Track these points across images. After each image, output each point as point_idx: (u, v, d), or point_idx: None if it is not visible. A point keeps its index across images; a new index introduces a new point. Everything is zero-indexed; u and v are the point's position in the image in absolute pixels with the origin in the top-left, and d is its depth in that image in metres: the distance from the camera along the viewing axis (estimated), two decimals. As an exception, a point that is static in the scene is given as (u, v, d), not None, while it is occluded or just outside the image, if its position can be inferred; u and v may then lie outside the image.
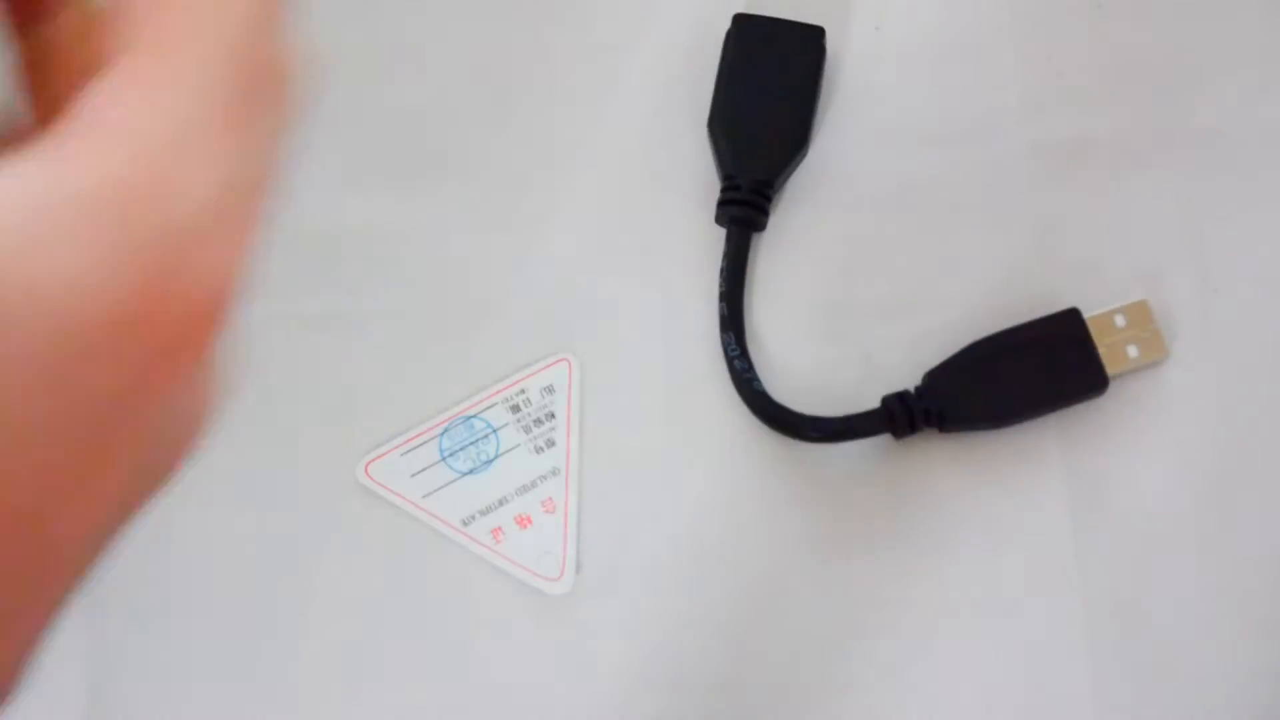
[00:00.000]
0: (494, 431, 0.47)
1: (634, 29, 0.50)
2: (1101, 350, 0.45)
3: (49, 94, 0.22)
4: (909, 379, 0.46)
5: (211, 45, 0.20)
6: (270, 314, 0.47)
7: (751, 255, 0.47)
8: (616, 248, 0.48)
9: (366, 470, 0.46)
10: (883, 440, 0.46)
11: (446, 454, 0.46)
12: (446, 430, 0.47)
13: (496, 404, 0.47)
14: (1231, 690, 0.44)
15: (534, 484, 0.46)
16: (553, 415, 0.47)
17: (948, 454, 0.46)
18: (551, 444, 0.47)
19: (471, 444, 0.46)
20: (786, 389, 0.46)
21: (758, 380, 0.46)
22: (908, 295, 0.47)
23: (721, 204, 0.48)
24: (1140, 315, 0.46)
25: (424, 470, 0.46)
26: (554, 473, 0.46)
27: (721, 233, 0.48)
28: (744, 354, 0.46)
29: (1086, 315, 0.46)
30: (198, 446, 0.22)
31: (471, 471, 0.46)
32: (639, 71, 0.50)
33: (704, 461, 0.46)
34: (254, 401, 0.46)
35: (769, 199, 0.48)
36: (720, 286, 0.47)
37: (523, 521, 0.46)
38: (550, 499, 0.46)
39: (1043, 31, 0.49)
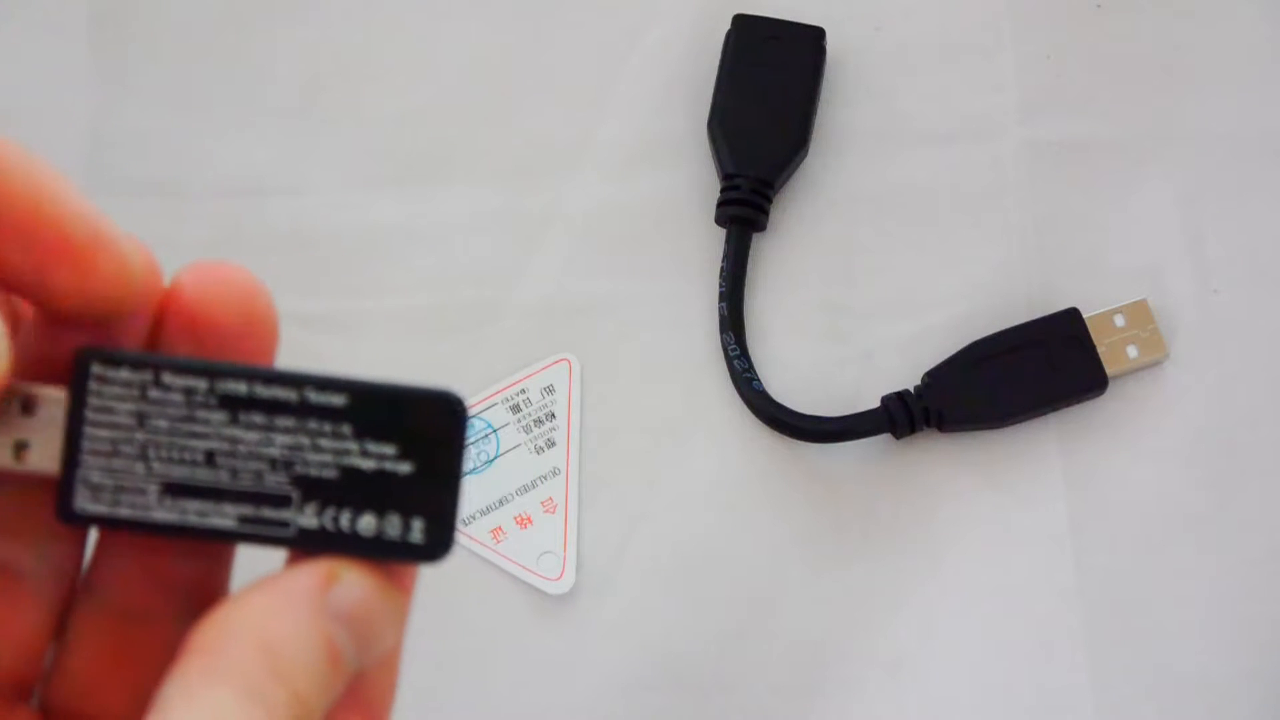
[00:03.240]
0: (494, 431, 0.47)
1: (634, 29, 0.50)
2: (1101, 350, 0.46)
3: None
4: (909, 379, 0.46)
5: None
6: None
7: (751, 255, 0.48)
8: (617, 248, 0.48)
9: (366, 470, 0.46)
10: (883, 440, 0.46)
11: (446, 454, 0.46)
12: (446, 430, 0.47)
13: (496, 404, 0.47)
14: (1231, 690, 0.44)
15: (534, 484, 0.46)
16: (553, 415, 0.47)
17: (948, 454, 0.46)
18: (551, 444, 0.47)
19: (471, 444, 0.46)
20: (786, 389, 0.47)
21: (758, 380, 0.46)
22: (908, 295, 0.47)
23: (721, 204, 0.48)
24: (1140, 315, 0.46)
25: (424, 470, 0.46)
26: (554, 473, 0.46)
27: (721, 233, 0.48)
28: (744, 354, 0.46)
29: (1086, 315, 0.46)
30: None
31: (472, 471, 0.46)
32: (639, 71, 0.50)
33: (704, 461, 0.46)
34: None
35: (769, 199, 0.48)
36: (720, 286, 0.47)
37: (523, 521, 0.46)
38: (550, 499, 0.46)
39: (1043, 31, 0.49)
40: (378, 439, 0.25)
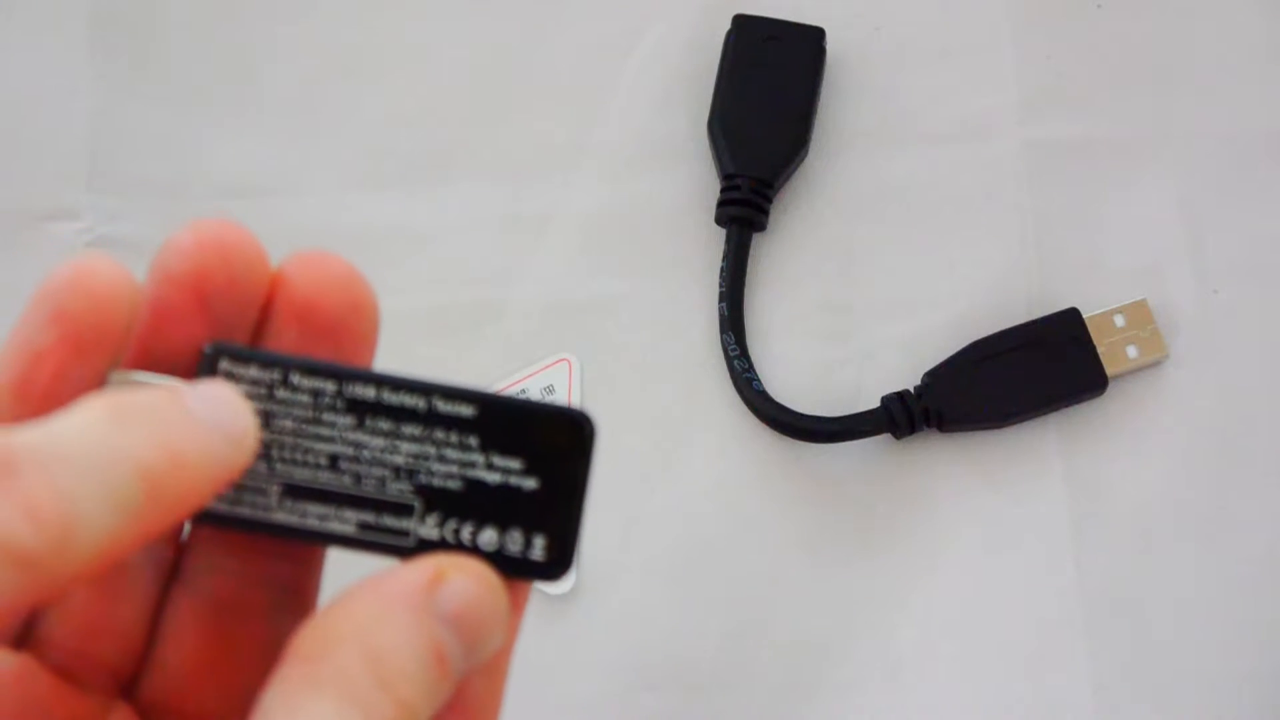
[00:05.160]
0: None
1: (634, 29, 0.50)
2: (1101, 350, 0.46)
3: None
4: (909, 379, 0.46)
5: None
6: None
7: (751, 255, 0.48)
8: (616, 248, 0.48)
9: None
10: (883, 440, 0.46)
11: (446, 454, 0.46)
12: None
13: (496, 404, 0.47)
14: (1231, 690, 0.44)
15: (534, 484, 0.46)
16: (553, 415, 0.47)
17: (948, 454, 0.46)
18: (551, 444, 0.46)
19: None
20: (786, 389, 0.47)
21: (758, 380, 0.46)
22: (908, 295, 0.47)
23: (721, 204, 0.48)
24: (1140, 315, 0.46)
25: (424, 470, 0.46)
26: (554, 473, 0.46)
27: (721, 233, 0.48)
28: (744, 354, 0.46)
29: (1086, 315, 0.46)
30: None
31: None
32: (639, 71, 0.50)
33: (704, 461, 0.46)
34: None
35: (769, 199, 0.48)
36: (720, 286, 0.47)
37: (523, 521, 0.46)
38: (550, 499, 0.46)
39: (1043, 31, 0.49)
40: (504, 452, 0.24)
